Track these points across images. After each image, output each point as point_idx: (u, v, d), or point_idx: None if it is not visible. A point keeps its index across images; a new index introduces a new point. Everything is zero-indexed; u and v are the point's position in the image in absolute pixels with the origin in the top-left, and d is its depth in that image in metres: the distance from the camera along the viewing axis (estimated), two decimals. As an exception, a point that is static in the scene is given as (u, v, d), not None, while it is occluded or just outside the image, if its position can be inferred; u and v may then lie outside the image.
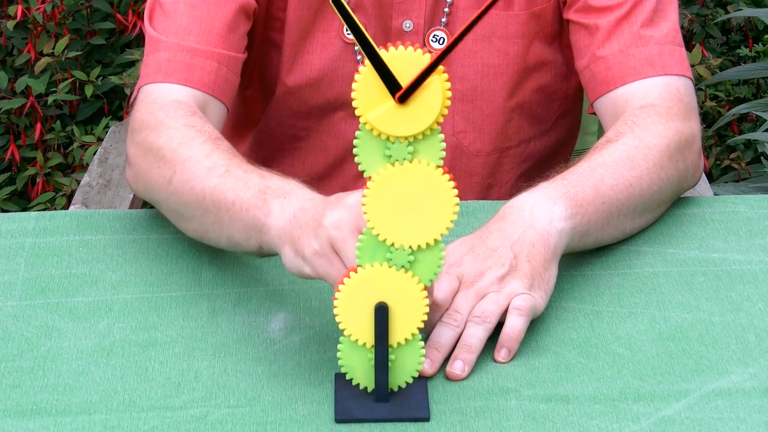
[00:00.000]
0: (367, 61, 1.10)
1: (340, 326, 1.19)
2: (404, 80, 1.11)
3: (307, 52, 1.68)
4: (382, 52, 1.10)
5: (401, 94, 1.11)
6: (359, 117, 1.12)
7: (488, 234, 1.36)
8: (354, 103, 1.12)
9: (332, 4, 1.09)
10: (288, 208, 1.30)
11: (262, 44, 1.70)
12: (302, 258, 1.25)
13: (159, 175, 1.44)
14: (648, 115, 1.52)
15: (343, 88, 1.68)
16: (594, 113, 1.64)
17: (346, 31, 1.67)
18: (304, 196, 1.31)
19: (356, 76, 1.11)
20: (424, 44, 1.67)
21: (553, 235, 1.36)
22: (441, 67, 1.11)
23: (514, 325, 1.29)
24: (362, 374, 1.22)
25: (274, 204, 1.31)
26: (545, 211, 1.37)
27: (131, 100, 1.58)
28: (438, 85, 1.11)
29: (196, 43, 1.55)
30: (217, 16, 1.57)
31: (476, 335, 1.28)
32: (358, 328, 1.19)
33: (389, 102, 1.11)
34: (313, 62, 1.68)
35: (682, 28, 3.31)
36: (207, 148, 1.42)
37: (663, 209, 1.52)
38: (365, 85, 1.12)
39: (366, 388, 1.22)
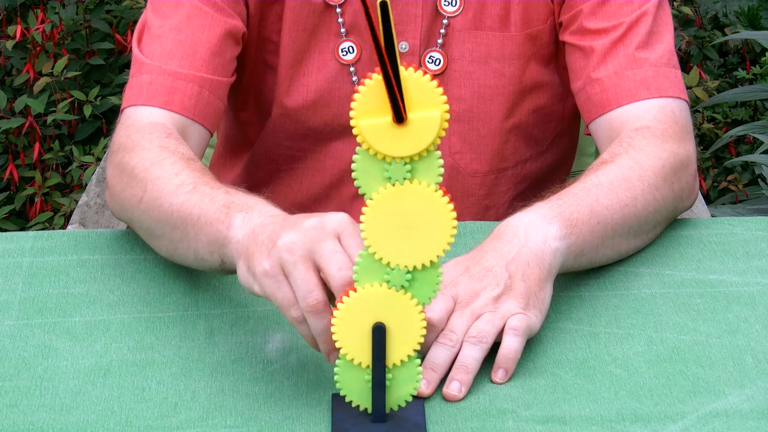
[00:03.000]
0: (375, 76, 1.10)
1: (338, 346, 1.19)
2: (409, 102, 1.11)
3: (303, 74, 1.68)
4: (402, 70, 1.10)
5: (394, 114, 1.11)
6: (353, 128, 1.12)
7: (483, 254, 1.36)
8: (351, 113, 1.12)
9: (379, 10, 1.08)
10: (248, 222, 1.30)
11: (256, 66, 1.71)
12: (252, 275, 1.25)
13: (131, 195, 1.45)
14: (643, 136, 1.53)
15: (339, 109, 1.68)
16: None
17: (342, 52, 1.67)
18: (266, 212, 1.31)
19: (366, 81, 1.11)
20: (420, 65, 1.67)
21: (548, 255, 1.36)
22: (437, 86, 1.12)
23: (511, 346, 1.29)
24: (359, 395, 1.22)
25: (236, 217, 1.32)
26: (540, 230, 1.37)
27: (117, 121, 1.59)
28: (436, 106, 1.11)
29: (178, 67, 1.56)
30: (202, 40, 1.58)
31: (472, 356, 1.28)
32: (355, 348, 1.19)
33: (386, 118, 1.11)
34: (310, 84, 1.69)
35: (679, 50, 3.33)
36: (177, 167, 1.43)
37: (658, 231, 1.53)
38: (367, 97, 1.11)
39: (363, 408, 1.22)
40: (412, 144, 1.12)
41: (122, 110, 1.58)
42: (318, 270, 1.21)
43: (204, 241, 1.35)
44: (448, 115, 1.12)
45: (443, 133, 1.12)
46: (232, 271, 1.34)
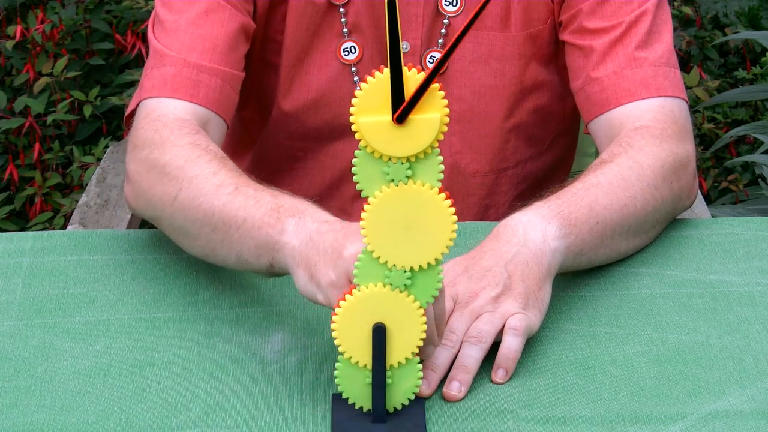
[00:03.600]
0: (377, 74, 1.10)
1: (338, 347, 1.19)
2: (388, 103, 1.11)
3: (305, 74, 1.68)
4: (405, 71, 1.10)
5: (398, 115, 1.11)
6: (352, 124, 1.12)
7: (482, 254, 1.36)
8: (352, 109, 1.11)
9: (386, 7, 1.08)
10: (303, 228, 1.29)
11: (259, 66, 1.71)
12: (317, 285, 1.25)
13: (163, 192, 1.43)
14: (642, 136, 1.53)
15: (340, 109, 1.68)
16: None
17: (344, 52, 1.67)
18: (319, 218, 1.30)
19: (369, 78, 1.10)
20: (420, 65, 1.67)
21: (547, 254, 1.36)
22: (439, 89, 1.11)
23: (511, 345, 1.29)
24: (360, 395, 1.21)
25: (289, 222, 1.31)
26: (539, 230, 1.37)
27: (129, 111, 1.58)
28: (436, 106, 1.11)
29: (200, 60, 1.56)
30: (220, 34, 1.58)
31: (472, 355, 1.28)
32: (355, 348, 1.19)
33: (386, 116, 1.11)
34: (311, 84, 1.69)
35: (680, 50, 3.33)
36: (214, 166, 1.41)
37: (658, 230, 1.53)
38: (369, 95, 1.11)
39: (363, 408, 1.22)
40: (410, 145, 1.12)
41: (140, 101, 1.56)
42: None
43: (251, 244, 1.34)
44: (447, 119, 1.12)
45: (441, 136, 1.12)
46: (280, 275, 1.34)
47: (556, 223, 1.38)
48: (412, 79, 1.10)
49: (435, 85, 1.11)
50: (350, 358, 1.20)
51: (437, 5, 1.66)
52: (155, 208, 1.45)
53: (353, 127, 1.12)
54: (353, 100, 1.11)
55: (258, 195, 1.36)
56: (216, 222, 1.37)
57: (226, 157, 1.45)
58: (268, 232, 1.31)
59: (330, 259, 1.23)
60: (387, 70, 1.10)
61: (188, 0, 1.59)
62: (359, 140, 1.13)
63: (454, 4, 1.66)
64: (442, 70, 1.68)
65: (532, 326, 1.32)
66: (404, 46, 1.67)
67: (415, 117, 1.11)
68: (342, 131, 1.70)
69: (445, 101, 1.11)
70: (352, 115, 1.11)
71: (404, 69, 1.10)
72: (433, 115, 1.11)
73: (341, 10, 1.66)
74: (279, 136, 1.74)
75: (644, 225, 1.49)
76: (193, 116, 1.52)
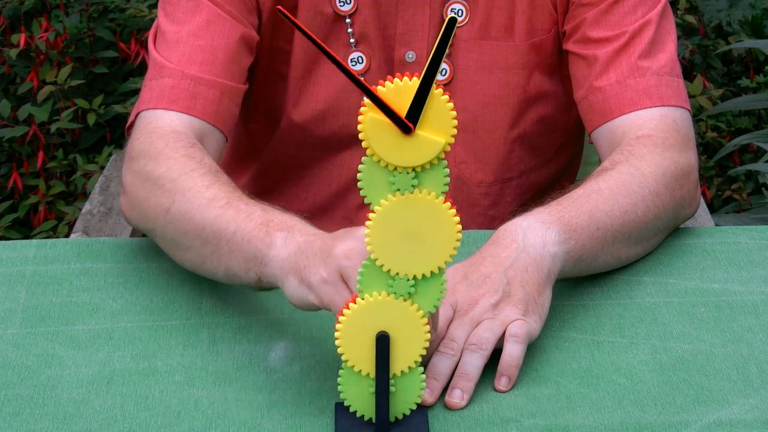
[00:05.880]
0: (405, 79, 1.10)
1: (342, 355, 1.19)
2: (423, 118, 1.10)
3: (313, 84, 1.69)
4: (379, 89, 1.10)
5: (405, 123, 1.11)
6: (360, 114, 1.11)
7: (481, 260, 1.36)
8: (366, 100, 1.11)
9: (445, 25, 1.08)
10: (291, 241, 1.30)
11: (267, 77, 1.71)
12: (308, 286, 1.25)
13: (156, 204, 1.44)
14: (644, 145, 1.53)
15: (348, 119, 1.68)
16: (595, 143, 1.64)
17: (351, 62, 1.67)
18: (307, 231, 1.31)
19: (396, 80, 1.10)
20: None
21: (547, 260, 1.36)
22: (456, 122, 1.11)
23: (512, 353, 1.29)
24: (363, 403, 1.21)
25: (277, 236, 1.31)
26: (539, 235, 1.37)
27: (129, 123, 1.58)
28: (444, 134, 1.11)
29: (199, 72, 1.56)
30: (221, 46, 1.58)
31: (473, 363, 1.28)
32: (359, 357, 1.19)
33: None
34: (319, 94, 1.69)
35: (683, 59, 3.33)
36: (207, 180, 1.42)
37: (660, 238, 1.52)
38: (392, 94, 1.10)
39: (366, 417, 1.22)
40: (407, 156, 1.12)
41: (138, 112, 1.57)
42: None
43: (240, 258, 1.34)
44: (449, 148, 1.12)
45: (449, 148, 1.12)
46: (266, 289, 1.34)
47: (556, 229, 1.38)
48: (435, 97, 1.10)
49: (452, 112, 1.10)
50: (353, 366, 1.19)
51: (443, 15, 1.66)
52: (149, 220, 1.46)
53: (360, 118, 1.11)
54: (362, 105, 1.11)
55: (249, 209, 1.36)
56: (207, 235, 1.38)
57: (220, 170, 1.46)
58: (257, 245, 1.32)
59: (320, 259, 1.24)
60: (416, 79, 1.10)
61: (190, 11, 1.59)
62: (363, 143, 1.12)
63: (460, 14, 1.66)
64: (447, 80, 1.68)
65: (533, 332, 1.32)
66: (410, 55, 1.67)
67: (421, 134, 1.11)
68: (349, 141, 1.70)
69: (455, 131, 1.11)
70: (363, 105, 1.11)
71: (378, 88, 1.10)
72: (437, 140, 1.11)
73: (347, 20, 1.66)
74: (286, 146, 1.75)
75: (645, 232, 1.49)
76: (189, 129, 1.53)
